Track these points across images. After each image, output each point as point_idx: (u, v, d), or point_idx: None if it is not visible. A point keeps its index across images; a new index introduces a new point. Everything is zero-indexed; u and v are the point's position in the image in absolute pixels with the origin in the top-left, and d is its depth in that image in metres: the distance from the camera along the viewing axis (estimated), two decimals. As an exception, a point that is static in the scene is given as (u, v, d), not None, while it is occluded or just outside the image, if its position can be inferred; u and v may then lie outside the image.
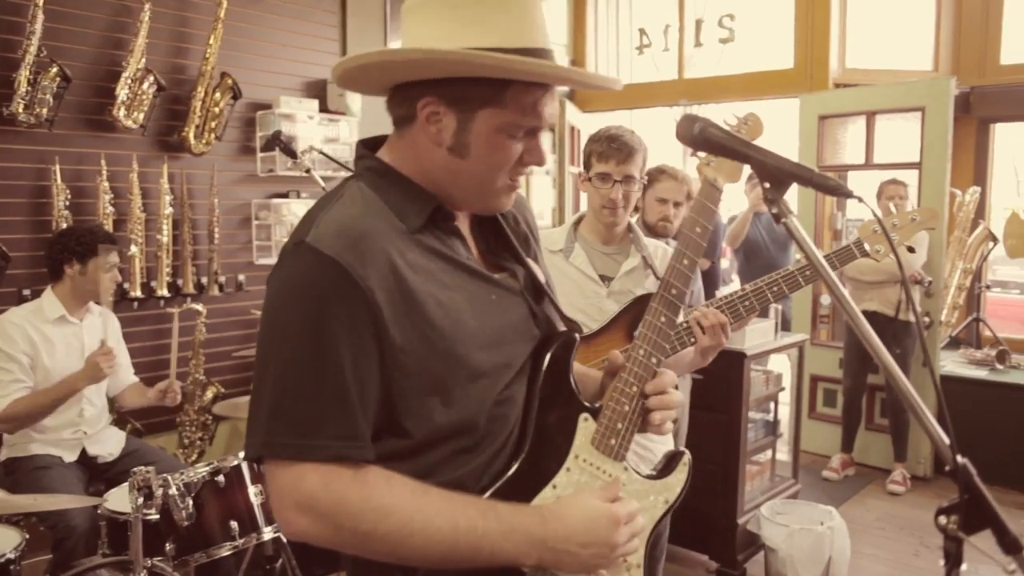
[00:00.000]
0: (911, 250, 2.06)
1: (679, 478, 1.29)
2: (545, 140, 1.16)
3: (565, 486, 1.18)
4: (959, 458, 0.93)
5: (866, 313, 4.73)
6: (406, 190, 1.14)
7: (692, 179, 3.62)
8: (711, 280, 4.82)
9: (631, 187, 2.20)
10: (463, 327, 1.10)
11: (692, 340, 2.19)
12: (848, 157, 5.37)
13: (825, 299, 5.41)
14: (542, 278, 1.26)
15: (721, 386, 3.34)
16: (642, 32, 6.49)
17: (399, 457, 1.09)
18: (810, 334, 5.20)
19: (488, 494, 1.13)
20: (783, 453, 4.21)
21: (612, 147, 2.17)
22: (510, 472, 1.15)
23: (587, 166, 2.26)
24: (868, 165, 5.17)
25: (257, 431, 1.06)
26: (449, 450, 1.11)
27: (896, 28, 5.84)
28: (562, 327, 1.27)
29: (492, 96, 1.07)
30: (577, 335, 1.25)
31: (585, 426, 1.21)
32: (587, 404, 1.23)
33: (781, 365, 4.43)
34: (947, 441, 0.93)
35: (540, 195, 6.42)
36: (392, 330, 1.05)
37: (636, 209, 3.04)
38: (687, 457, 1.30)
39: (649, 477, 1.27)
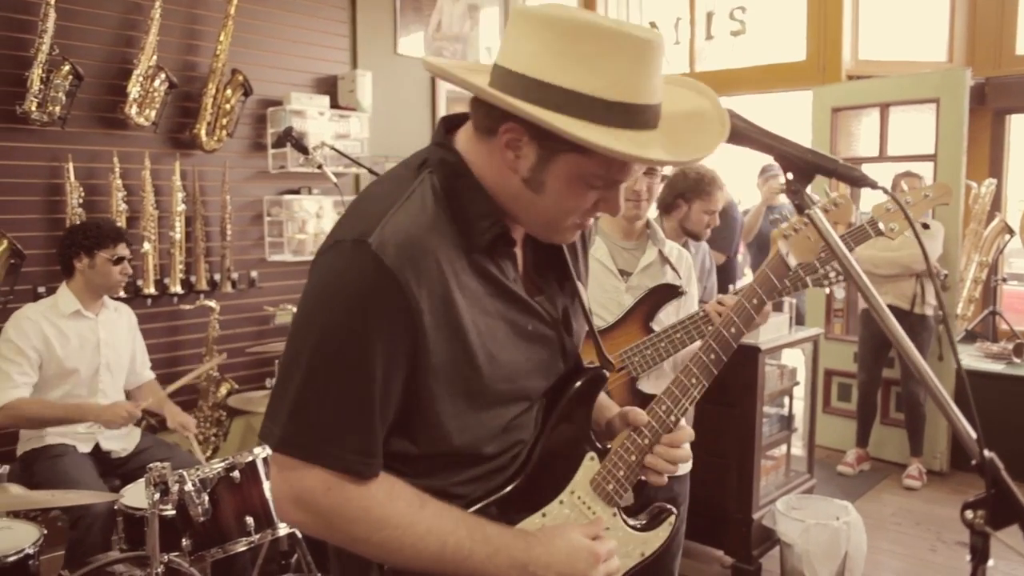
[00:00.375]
0: (925, 226, 2.06)
1: (660, 535, 1.31)
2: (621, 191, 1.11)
3: (554, 517, 1.21)
4: (986, 452, 0.92)
5: (881, 307, 4.70)
6: (477, 202, 1.09)
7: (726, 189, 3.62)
8: (728, 275, 4.78)
9: (654, 179, 2.21)
10: (494, 360, 1.10)
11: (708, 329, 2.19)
12: (862, 150, 5.34)
13: (839, 292, 5.37)
14: (587, 302, 1.26)
15: (735, 380, 3.32)
16: (653, 25, 6.45)
17: (402, 460, 1.11)
18: (824, 328, 5.17)
19: (478, 507, 1.15)
20: (798, 448, 4.19)
21: None
22: (505, 491, 1.17)
23: None
24: (882, 158, 5.13)
25: (276, 421, 1.06)
26: (451, 461, 1.13)
27: (910, 19, 5.79)
28: (589, 362, 1.28)
29: (582, 147, 0.99)
30: (607, 372, 1.26)
31: (589, 465, 1.24)
32: (597, 444, 1.25)
33: (795, 359, 4.41)
34: (974, 435, 0.92)
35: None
36: (431, 354, 1.04)
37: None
38: (673, 517, 1.31)
39: (634, 528, 1.29)
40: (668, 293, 2.10)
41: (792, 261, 1.33)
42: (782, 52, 5.86)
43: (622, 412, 1.32)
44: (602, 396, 1.37)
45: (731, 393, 3.35)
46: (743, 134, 1.04)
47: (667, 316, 2.26)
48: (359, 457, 1.04)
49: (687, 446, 1.27)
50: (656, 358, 2.22)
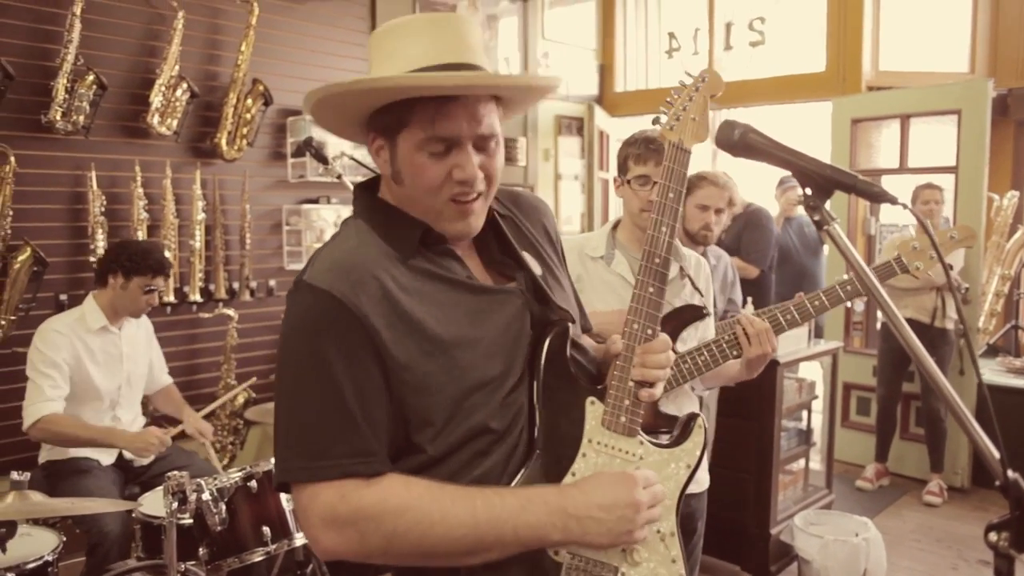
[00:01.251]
0: (949, 267, 2.07)
1: (696, 441, 1.29)
2: (476, 157, 1.14)
3: (584, 471, 1.20)
4: (1010, 473, 0.91)
5: (901, 320, 4.65)
6: (396, 220, 1.20)
7: (733, 184, 3.58)
8: (763, 290, 4.73)
9: None
10: (464, 340, 1.14)
11: (735, 353, 2.17)
12: (882, 161, 5.30)
13: (858, 306, 5.33)
14: (537, 271, 1.28)
15: (753, 394, 3.30)
16: (671, 36, 6.46)
17: (417, 472, 1.12)
18: (843, 341, 5.13)
19: None
20: (816, 462, 4.16)
21: (650, 148, 2.15)
22: (527, 468, 1.17)
23: (623, 170, 2.23)
24: (903, 169, 5.09)
25: (277, 461, 1.13)
26: (465, 456, 1.15)
27: (931, 29, 5.75)
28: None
29: (402, 117, 1.12)
30: (569, 323, 1.26)
31: (593, 409, 1.23)
32: (590, 388, 1.25)
33: (814, 373, 4.37)
34: (997, 455, 0.91)
35: (569, 200, 6.41)
36: (393, 351, 1.10)
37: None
38: (701, 419, 1.31)
39: (666, 446, 1.28)
40: (692, 314, 2.07)
41: (688, 145, 1.34)
42: (801, 63, 5.84)
43: (604, 349, 1.34)
44: (589, 344, 1.39)
45: (749, 406, 3.33)
46: (761, 149, 1.03)
47: (688, 333, 2.23)
48: (354, 459, 1.08)
49: (664, 345, 1.26)
50: (678, 380, 2.18)
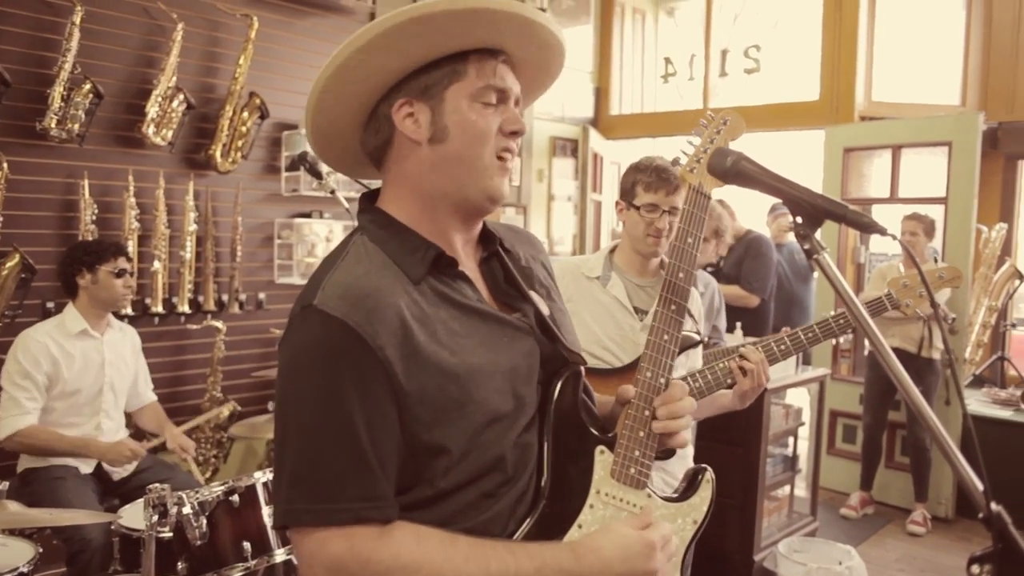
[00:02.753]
0: (935, 304, 2.13)
1: (704, 496, 1.27)
2: (517, 112, 1.18)
3: (591, 523, 1.17)
4: (993, 505, 0.91)
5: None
6: (407, 240, 1.15)
7: (721, 213, 3.60)
8: (762, 318, 4.72)
9: (675, 217, 2.21)
10: (478, 372, 1.10)
11: (729, 382, 2.18)
12: (873, 191, 5.34)
13: (847, 333, 5.35)
14: (545, 311, 1.25)
15: (740, 420, 3.28)
16: (668, 61, 6.52)
17: (423, 506, 1.08)
18: (831, 369, 5.14)
19: (515, 539, 1.11)
20: (801, 489, 4.15)
21: (661, 178, 2.16)
22: (534, 516, 1.14)
23: (630, 195, 2.23)
24: (893, 199, 5.13)
25: (279, 499, 1.06)
26: (473, 496, 1.10)
27: (924, 62, 5.83)
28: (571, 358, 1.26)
29: (454, 72, 1.12)
30: (581, 367, 1.24)
31: (602, 459, 1.20)
32: (600, 436, 1.22)
33: (801, 399, 4.38)
34: (980, 486, 0.91)
35: (561, 221, 6.43)
36: (407, 385, 1.04)
37: None
38: (709, 473, 1.28)
39: (673, 500, 1.26)
40: (684, 344, 2.07)
41: (709, 190, 1.30)
42: (796, 91, 5.91)
43: (617, 400, 1.30)
44: (603, 398, 1.36)
45: (736, 432, 3.33)
46: (753, 177, 1.04)
47: (678, 360, 2.24)
48: (364, 503, 1.03)
49: (682, 391, 1.24)
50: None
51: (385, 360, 1.03)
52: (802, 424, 3.93)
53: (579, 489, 1.18)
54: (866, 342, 5.21)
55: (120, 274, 3.03)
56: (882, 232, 0.99)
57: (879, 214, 5.63)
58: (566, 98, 6.30)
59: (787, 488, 3.80)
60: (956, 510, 4.77)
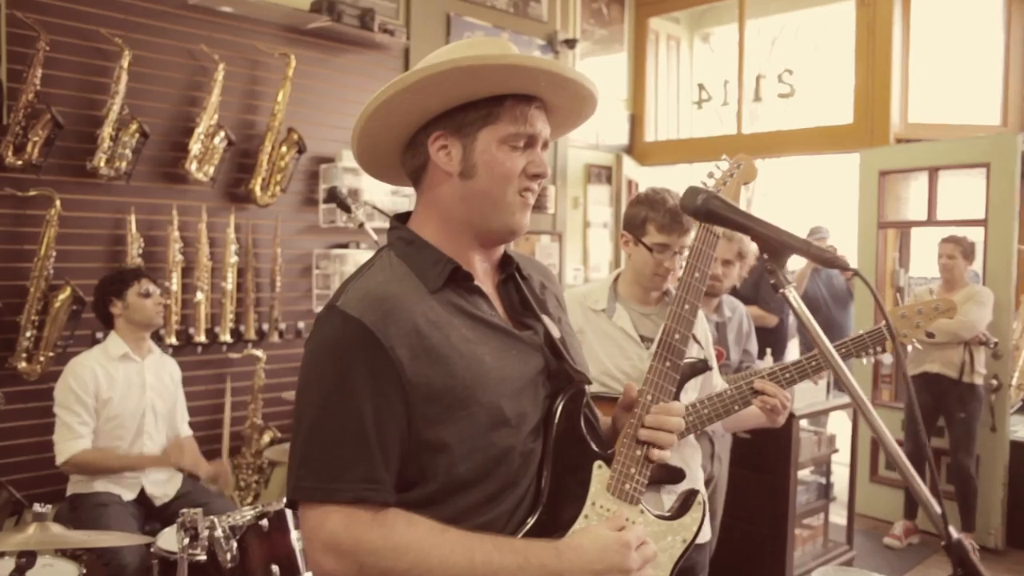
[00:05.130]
0: (930, 335, 2.17)
1: (694, 517, 1.32)
2: (545, 156, 1.28)
3: None
4: (954, 533, 0.93)
5: (928, 375, 4.59)
6: (428, 255, 1.25)
7: (740, 235, 3.61)
8: (780, 339, 4.72)
9: (684, 256, 2.25)
10: (486, 377, 1.18)
11: (736, 408, 2.23)
12: (910, 213, 5.28)
13: (886, 359, 5.25)
14: (556, 334, 1.32)
15: (769, 446, 3.29)
16: (701, 87, 6.54)
17: (427, 504, 1.16)
18: (871, 394, 5.06)
19: None
20: (841, 517, 4.09)
21: (676, 221, 2.17)
22: (531, 522, 1.20)
23: (639, 231, 2.23)
24: (931, 222, 5.06)
25: (291, 477, 1.17)
26: (476, 497, 1.18)
27: (962, 82, 5.75)
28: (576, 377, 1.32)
29: (488, 113, 1.22)
30: (586, 385, 1.30)
31: (599, 473, 1.26)
32: (600, 451, 1.28)
33: (840, 426, 4.33)
34: (938, 510, 0.93)
35: (597, 248, 6.47)
36: (416, 383, 1.14)
37: None
38: (701, 496, 1.34)
39: (665, 518, 1.31)
40: (692, 370, 2.10)
41: (719, 229, 1.38)
42: (830, 115, 5.88)
43: (620, 403, 1.38)
44: (604, 418, 1.42)
45: (764, 459, 3.32)
46: (721, 215, 1.09)
47: (690, 384, 2.26)
48: (365, 485, 1.12)
49: (679, 411, 1.30)
50: (683, 432, 2.22)
51: (396, 359, 1.13)
52: (836, 451, 3.88)
53: (575, 499, 1.24)
54: (908, 367, 5.11)
55: (147, 295, 3.19)
56: (844, 267, 1.03)
57: (917, 237, 5.55)
58: (600, 126, 6.36)
59: (822, 516, 3.75)
60: (1007, 540, 4.63)
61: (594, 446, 1.28)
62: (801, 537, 3.51)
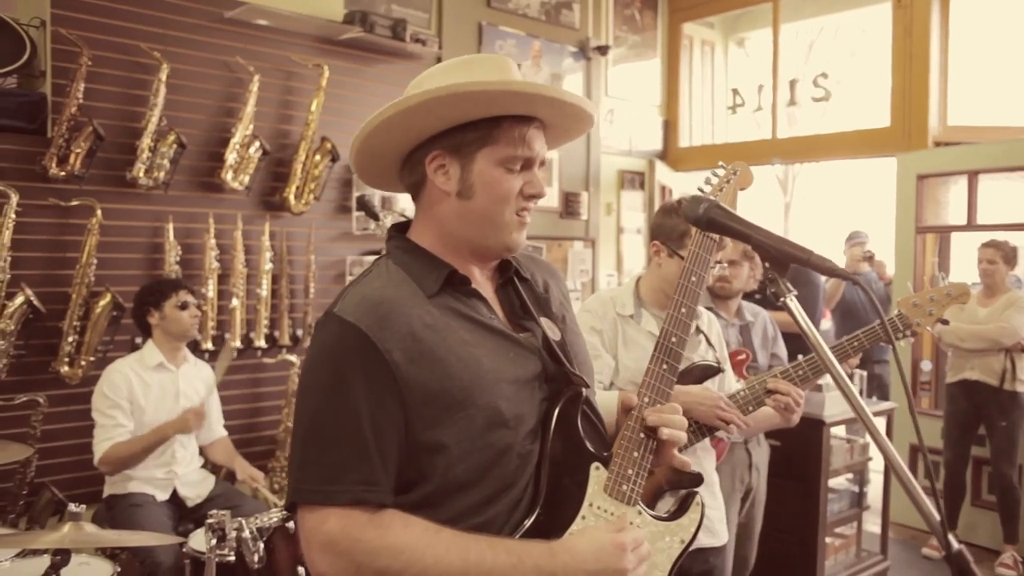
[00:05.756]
0: (944, 322, 2.16)
1: (692, 518, 1.32)
2: (541, 175, 1.29)
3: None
4: (954, 543, 0.92)
5: (968, 382, 4.50)
6: (425, 262, 1.28)
7: None
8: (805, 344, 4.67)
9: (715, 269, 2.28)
10: (483, 379, 1.20)
11: (750, 409, 2.23)
12: (950, 218, 5.18)
13: (926, 365, 5.17)
14: (555, 337, 1.34)
15: (799, 454, 3.26)
16: (735, 92, 6.50)
17: (426, 506, 1.18)
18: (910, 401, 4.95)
19: None
20: (876, 526, 4.02)
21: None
22: (529, 523, 1.21)
23: (676, 244, 2.22)
24: (971, 226, 4.96)
25: (291, 480, 1.19)
26: (472, 499, 1.19)
27: (1003, 83, 5.63)
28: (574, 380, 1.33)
29: (486, 135, 1.24)
30: (583, 389, 1.31)
31: (597, 475, 1.28)
32: (596, 453, 1.29)
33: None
34: (937, 517, 0.93)
35: (632, 253, 6.45)
36: (412, 385, 1.16)
37: None
38: (699, 497, 1.34)
39: (663, 519, 1.31)
40: (704, 373, 2.10)
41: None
42: (867, 118, 5.79)
43: (621, 406, 1.40)
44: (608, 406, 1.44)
45: (795, 467, 3.28)
46: (723, 224, 1.09)
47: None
48: (363, 486, 1.14)
49: (675, 408, 1.31)
50: (697, 436, 2.22)
51: (392, 362, 1.16)
52: (870, 459, 3.82)
53: (573, 501, 1.26)
54: (948, 374, 5.01)
55: (184, 306, 3.27)
56: (845, 276, 1.02)
57: (957, 241, 5.44)
58: (634, 132, 6.34)
59: (855, 525, 3.69)
60: (1051, 553, 4.52)
61: (591, 448, 1.29)
62: (833, 546, 3.46)
